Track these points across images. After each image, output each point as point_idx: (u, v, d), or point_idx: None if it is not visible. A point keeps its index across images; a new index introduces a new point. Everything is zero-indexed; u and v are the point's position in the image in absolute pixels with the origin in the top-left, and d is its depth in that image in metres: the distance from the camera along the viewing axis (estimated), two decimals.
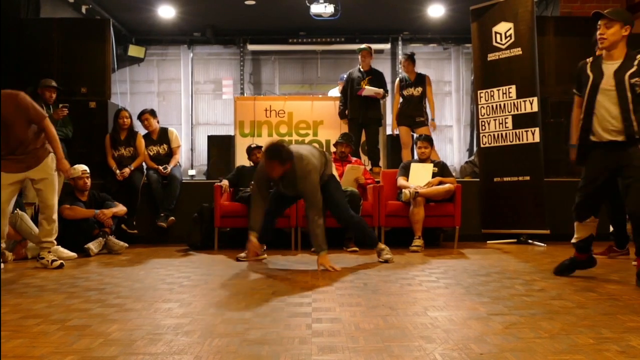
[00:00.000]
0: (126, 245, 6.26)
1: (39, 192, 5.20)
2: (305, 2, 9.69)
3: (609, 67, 4.14)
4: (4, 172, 5.02)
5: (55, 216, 5.28)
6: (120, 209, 6.41)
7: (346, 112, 7.91)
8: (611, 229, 5.54)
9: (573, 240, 4.47)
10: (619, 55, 4.13)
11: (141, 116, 7.35)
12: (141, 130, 7.53)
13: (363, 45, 8.06)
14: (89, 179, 6.37)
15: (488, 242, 7.00)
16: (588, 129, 4.20)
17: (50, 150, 5.22)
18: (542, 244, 6.70)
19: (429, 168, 6.70)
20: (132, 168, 7.01)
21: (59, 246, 5.68)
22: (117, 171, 6.95)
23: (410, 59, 8.03)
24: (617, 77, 4.07)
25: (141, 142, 7.20)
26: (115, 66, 9.53)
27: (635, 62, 4.04)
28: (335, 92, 9.34)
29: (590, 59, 4.31)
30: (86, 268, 5.16)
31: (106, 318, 3.15)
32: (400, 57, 12.28)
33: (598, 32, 4.15)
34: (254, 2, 10.22)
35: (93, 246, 5.96)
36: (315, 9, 9.76)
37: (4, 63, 7.32)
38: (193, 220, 6.66)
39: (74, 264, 5.43)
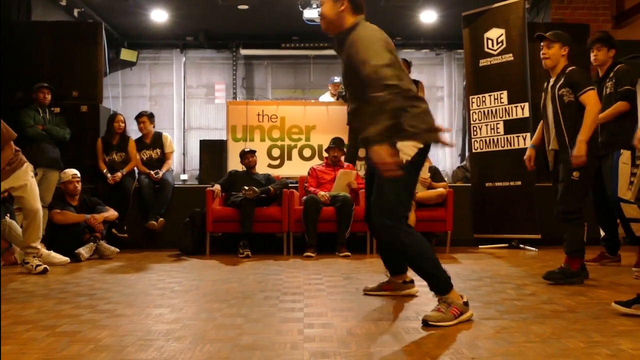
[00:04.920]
0: (117, 250, 6.23)
1: (21, 199, 5.20)
2: (298, 7, 9.69)
3: (550, 83, 4.57)
4: None
5: (39, 221, 5.25)
6: (112, 213, 6.38)
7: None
8: (602, 234, 5.55)
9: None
10: (557, 72, 4.53)
11: (138, 118, 7.35)
12: (134, 134, 7.52)
13: None
14: (80, 183, 6.34)
15: (480, 246, 7.01)
16: (547, 140, 4.62)
17: (24, 160, 5.23)
18: (534, 249, 6.72)
19: (424, 168, 6.72)
20: (124, 172, 6.99)
21: (51, 251, 5.67)
22: (109, 175, 6.93)
23: (408, 64, 8.06)
24: (552, 91, 4.51)
25: (133, 148, 7.19)
26: (107, 70, 9.46)
27: (564, 75, 4.44)
28: (326, 97, 9.34)
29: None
30: (77, 273, 5.14)
31: (97, 324, 3.13)
32: None
33: (541, 52, 4.56)
34: (247, 7, 10.21)
35: (84, 251, 5.94)
36: (308, 14, 9.75)
37: None
38: (184, 225, 6.64)
39: (65, 269, 5.40)
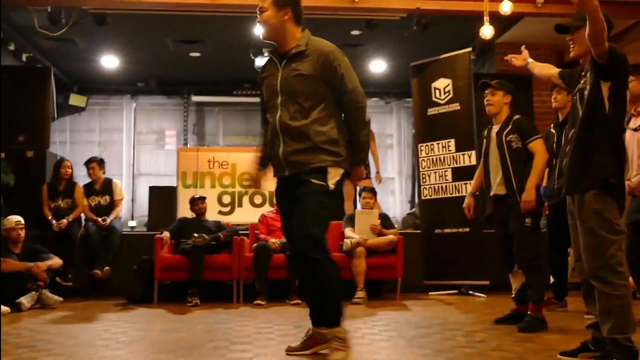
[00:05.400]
0: (61, 299, 6.04)
1: None
2: (250, 55, 9.81)
3: (494, 130, 4.75)
4: None
5: None
6: (56, 261, 6.20)
7: None
8: (552, 279, 5.64)
9: (512, 294, 4.81)
10: (501, 119, 4.72)
11: (88, 164, 7.24)
12: (82, 180, 7.40)
13: None
14: (23, 231, 6.16)
15: (430, 293, 7.05)
16: (488, 185, 4.75)
17: None
18: (483, 295, 6.79)
19: (374, 215, 6.79)
20: (70, 219, 6.84)
21: None
22: (54, 222, 6.77)
23: None
24: (498, 137, 4.67)
25: (80, 194, 7.06)
26: (56, 115, 9.32)
27: (511, 123, 4.64)
28: None
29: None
30: (17, 324, 4.94)
31: None
32: None
33: (485, 99, 4.78)
34: (198, 54, 10.28)
35: (25, 300, 5.72)
36: (259, 62, 9.86)
37: None
38: (133, 273, 6.49)
39: (5, 319, 5.18)
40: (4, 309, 5.48)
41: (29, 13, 7.57)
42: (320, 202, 3.27)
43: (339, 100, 3.36)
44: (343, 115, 3.40)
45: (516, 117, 4.69)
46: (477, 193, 5.14)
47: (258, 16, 3.38)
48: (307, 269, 3.29)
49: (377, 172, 8.21)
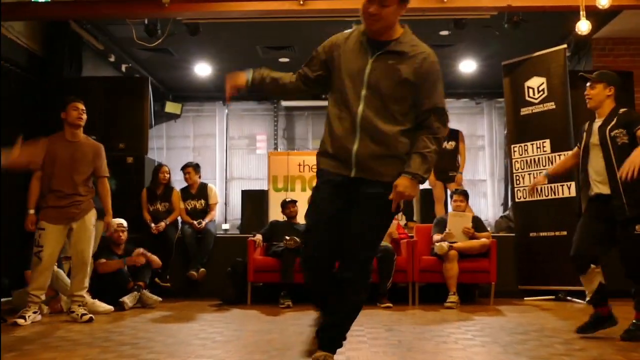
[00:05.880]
0: (160, 299, 6.28)
1: (76, 245, 5.29)
2: None
3: (596, 124, 4.39)
4: (47, 222, 5.14)
5: (87, 271, 5.35)
6: (155, 260, 6.44)
7: None
8: None
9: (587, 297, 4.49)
10: (604, 113, 4.36)
11: (184, 169, 7.50)
12: (178, 184, 7.66)
13: None
14: (124, 233, 6.45)
15: (525, 298, 6.84)
16: (585, 184, 4.40)
17: (93, 206, 5.36)
18: (582, 301, 6.52)
19: (467, 218, 6.67)
20: (167, 222, 7.10)
21: (96, 300, 5.75)
22: (152, 225, 7.05)
23: None
24: (600, 132, 4.30)
25: (177, 198, 7.31)
26: (153, 122, 9.72)
27: (616, 116, 4.28)
28: None
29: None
30: (120, 322, 5.18)
31: None
32: None
33: (585, 93, 4.48)
34: (287, 60, 10.44)
35: (128, 300, 6.00)
36: None
37: (49, 120, 7.55)
38: (226, 275, 6.67)
39: (109, 318, 5.46)
40: (108, 307, 5.76)
41: (128, 26, 7.94)
42: (387, 223, 3.14)
43: (421, 112, 3.02)
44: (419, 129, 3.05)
45: (622, 110, 4.30)
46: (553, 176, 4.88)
47: (375, 8, 2.91)
48: (348, 286, 3.10)
49: (459, 173, 8.02)
